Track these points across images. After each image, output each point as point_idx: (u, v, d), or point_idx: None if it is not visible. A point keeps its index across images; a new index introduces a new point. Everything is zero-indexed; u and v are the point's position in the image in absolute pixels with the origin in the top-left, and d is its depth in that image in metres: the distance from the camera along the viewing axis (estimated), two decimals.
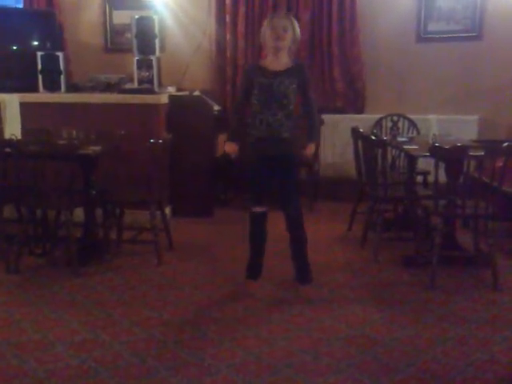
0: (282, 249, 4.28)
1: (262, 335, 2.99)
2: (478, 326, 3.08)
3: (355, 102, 5.91)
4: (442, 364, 2.71)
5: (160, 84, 5.29)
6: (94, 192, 4.17)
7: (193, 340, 2.95)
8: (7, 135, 4.08)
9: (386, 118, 5.37)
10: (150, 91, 5.07)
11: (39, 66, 5.16)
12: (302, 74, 3.34)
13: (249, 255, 3.60)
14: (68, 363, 2.72)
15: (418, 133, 5.22)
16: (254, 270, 3.58)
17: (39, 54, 5.19)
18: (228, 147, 3.49)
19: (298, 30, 3.31)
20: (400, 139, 4.53)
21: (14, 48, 5.60)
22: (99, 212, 4.26)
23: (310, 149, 3.46)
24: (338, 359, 2.75)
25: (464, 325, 3.10)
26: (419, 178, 4.79)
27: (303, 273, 3.58)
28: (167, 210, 4.86)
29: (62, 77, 5.21)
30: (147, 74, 5.14)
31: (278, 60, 3.31)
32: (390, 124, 5.31)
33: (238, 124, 3.49)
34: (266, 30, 3.28)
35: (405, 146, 4.24)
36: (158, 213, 4.22)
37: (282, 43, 3.25)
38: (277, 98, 3.28)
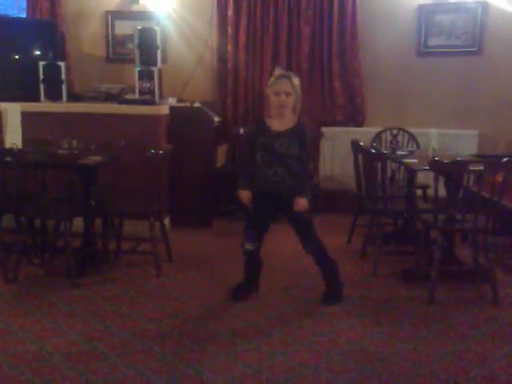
0: (283, 264, 4.29)
1: (262, 349, 2.97)
2: (477, 342, 3.07)
3: (355, 116, 5.94)
4: (440, 380, 2.70)
5: (161, 95, 5.31)
6: (93, 202, 4.16)
7: (191, 353, 2.93)
8: (8, 144, 4.09)
9: (385, 131, 5.38)
10: (151, 102, 5.08)
11: (41, 76, 5.17)
12: (303, 136, 3.41)
13: (243, 278, 3.67)
14: (65, 375, 2.70)
15: (418, 146, 5.23)
16: (242, 292, 3.64)
17: (41, 63, 5.20)
18: (243, 195, 3.47)
19: (298, 88, 3.39)
20: (400, 153, 4.54)
21: (16, 57, 5.62)
22: (98, 222, 4.25)
23: (299, 203, 3.38)
24: (338, 373, 2.73)
25: (463, 340, 3.09)
26: (419, 192, 4.80)
27: (327, 297, 3.61)
28: (166, 221, 4.86)
29: (64, 86, 5.22)
30: (148, 84, 5.15)
31: (283, 121, 3.41)
32: (389, 137, 5.30)
33: (249, 172, 3.48)
34: (270, 94, 3.38)
35: (404, 160, 4.25)
36: (157, 224, 4.21)
37: (286, 109, 3.37)
38: (278, 157, 3.38)
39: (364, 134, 5.50)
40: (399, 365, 2.82)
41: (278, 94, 3.34)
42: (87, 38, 6.25)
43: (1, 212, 4.17)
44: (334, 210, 5.73)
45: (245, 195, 3.47)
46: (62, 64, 5.26)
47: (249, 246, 3.53)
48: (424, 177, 4.75)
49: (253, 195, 3.47)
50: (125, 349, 2.96)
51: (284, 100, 3.33)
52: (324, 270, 3.61)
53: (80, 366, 2.78)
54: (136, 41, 5.21)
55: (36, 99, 5.17)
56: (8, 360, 2.83)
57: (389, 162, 4.53)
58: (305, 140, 3.40)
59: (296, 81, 3.39)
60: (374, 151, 4.15)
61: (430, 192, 4.27)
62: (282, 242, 4.58)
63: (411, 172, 4.28)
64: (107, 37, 6.20)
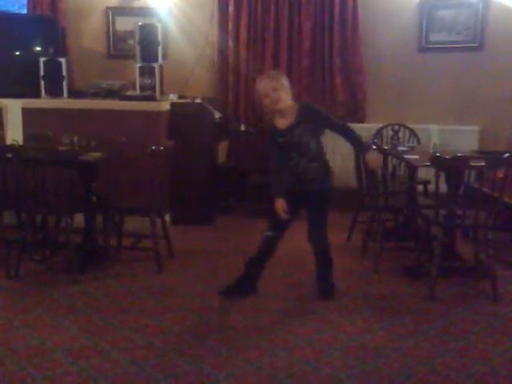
0: (283, 260, 4.29)
1: (263, 345, 2.98)
2: (477, 338, 3.08)
3: (356, 112, 5.92)
4: (441, 375, 2.70)
5: (162, 91, 5.31)
6: (94, 198, 4.16)
7: (192, 348, 2.94)
8: (9, 140, 4.09)
9: (386, 127, 5.38)
10: (152, 98, 5.08)
11: (42, 72, 5.17)
12: (313, 114, 3.43)
13: (245, 272, 3.60)
14: (67, 370, 2.71)
15: (419, 142, 5.23)
16: (243, 288, 3.58)
17: (42, 59, 5.20)
18: (279, 205, 3.36)
19: (285, 81, 3.39)
20: (401, 149, 4.54)
21: (17, 53, 5.61)
22: (99, 218, 4.25)
23: (370, 157, 3.41)
24: (338, 369, 2.74)
25: (464, 336, 3.09)
26: (420, 188, 4.79)
27: (328, 291, 3.62)
28: (167, 218, 4.86)
29: (65, 83, 5.22)
30: (149, 81, 5.15)
31: (286, 116, 3.40)
32: (390, 133, 5.31)
33: (281, 179, 3.44)
34: (260, 98, 3.39)
35: (405, 156, 4.25)
36: (158, 220, 4.21)
37: (281, 103, 3.35)
38: (294, 149, 3.40)
39: (365, 129, 5.46)
40: (400, 361, 2.83)
41: (266, 95, 3.34)
42: (88, 33, 6.23)
43: (2, 208, 4.17)
44: (334, 207, 5.69)
45: (280, 205, 3.36)
46: (62, 60, 5.26)
47: (271, 233, 3.52)
48: (425, 173, 4.74)
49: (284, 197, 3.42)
50: (126, 344, 2.97)
51: (275, 96, 3.33)
52: (328, 264, 3.62)
53: (81, 361, 2.79)
54: (137, 37, 5.22)
55: (37, 95, 5.17)
56: (9, 356, 2.84)
57: (390, 157, 4.53)
58: (320, 116, 3.45)
59: (281, 76, 3.42)
60: (375, 147, 4.14)
61: (431, 188, 4.26)
62: (286, 240, 4.57)
63: (412, 168, 4.28)
64: (108, 33, 6.19)
